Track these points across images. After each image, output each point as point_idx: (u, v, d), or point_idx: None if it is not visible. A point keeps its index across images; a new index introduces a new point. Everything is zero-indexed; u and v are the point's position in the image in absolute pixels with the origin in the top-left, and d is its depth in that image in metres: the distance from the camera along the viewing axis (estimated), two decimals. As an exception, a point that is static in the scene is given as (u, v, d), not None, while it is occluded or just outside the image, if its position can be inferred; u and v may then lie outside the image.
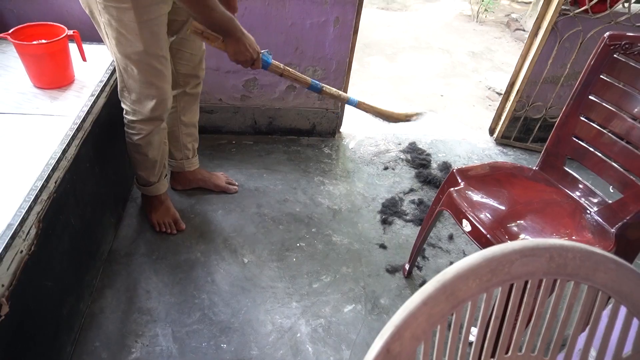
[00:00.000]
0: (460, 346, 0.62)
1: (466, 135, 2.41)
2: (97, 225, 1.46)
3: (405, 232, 1.75)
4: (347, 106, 2.18)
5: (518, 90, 2.12)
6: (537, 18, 1.94)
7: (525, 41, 2.04)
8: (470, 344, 0.64)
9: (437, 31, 4.61)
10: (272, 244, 1.66)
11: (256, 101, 2.03)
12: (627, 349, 0.67)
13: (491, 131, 2.37)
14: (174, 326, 1.36)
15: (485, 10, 5.11)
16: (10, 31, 1.30)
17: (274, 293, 1.49)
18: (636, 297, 0.63)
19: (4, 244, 0.92)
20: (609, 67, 1.22)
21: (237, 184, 1.87)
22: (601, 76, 1.23)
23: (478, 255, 0.58)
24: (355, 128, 2.33)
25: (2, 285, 0.90)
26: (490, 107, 2.87)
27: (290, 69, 1.46)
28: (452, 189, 1.26)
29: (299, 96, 2.04)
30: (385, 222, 1.79)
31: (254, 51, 1.30)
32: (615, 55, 1.20)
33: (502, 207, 1.24)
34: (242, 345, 1.33)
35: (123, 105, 1.39)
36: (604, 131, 1.25)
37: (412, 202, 1.90)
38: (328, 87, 1.53)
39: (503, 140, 2.32)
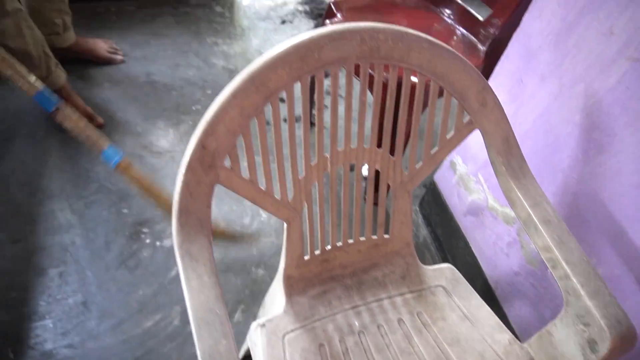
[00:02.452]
0: (288, 139, 0.64)
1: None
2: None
3: (303, 83, 1.73)
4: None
5: None
6: None
7: None
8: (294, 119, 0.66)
9: None
10: (166, 110, 1.60)
11: (127, -44, 1.79)
12: (450, 131, 0.72)
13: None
14: (71, 200, 1.34)
15: None
16: None
17: (172, 157, 1.48)
18: (452, 76, 0.66)
19: None
20: None
21: (122, 52, 1.72)
22: None
23: (286, 44, 0.57)
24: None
25: None
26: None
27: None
28: (327, 20, 1.22)
29: (175, -54, 1.81)
30: (283, 76, 1.75)
31: None
32: None
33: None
34: (143, 208, 1.35)
35: None
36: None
37: (311, 53, 1.85)
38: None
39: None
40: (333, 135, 0.67)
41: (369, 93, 0.69)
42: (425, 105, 0.70)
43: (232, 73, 1.74)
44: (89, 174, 1.41)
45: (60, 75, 1.44)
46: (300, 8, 2.05)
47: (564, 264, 0.62)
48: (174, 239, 0.56)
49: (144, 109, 1.59)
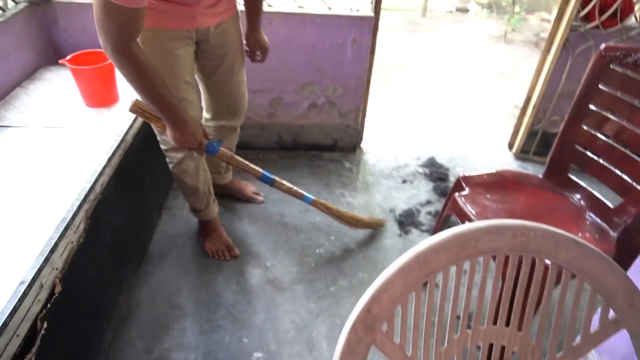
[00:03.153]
0: (437, 313, 0.71)
1: (486, 151, 2.47)
2: (136, 228, 1.62)
3: (421, 241, 1.82)
4: (367, 122, 2.31)
5: (534, 106, 2.18)
6: (549, 35, 2.01)
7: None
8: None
9: (464, 52, 4.70)
10: (293, 250, 1.77)
11: (281, 118, 2.18)
12: (594, 325, 0.74)
13: (510, 146, 2.42)
14: (201, 321, 1.49)
15: (513, 30, 5.17)
16: (68, 57, 1.51)
17: (293, 294, 1.59)
18: (598, 275, 0.70)
19: (59, 234, 1.09)
20: (606, 77, 1.28)
21: (262, 195, 2.00)
22: (599, 86, 1.30)
23: (448, 232, 0.68)
24: (376, 144, 2.44)
25: (56, 269, 1.06)
26: (514, 124, 2.92)
27: (239, 159, 1.47)
28: (456, 194, 1.34)
29: (320, 114, 2.18)
30: (402, 231, 1.87)
31: (194, 140, 1.26)
32: (611, 66, 1.27)
33: (506, 212, 1.31)
34: (261, 341, 1.44)
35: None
36: (604, 138, 1.31)
37: (429, 213, 1.97)
38: (281, 180, 1.57)
39: (522, 155, 2.36)
40: (477, 316, 0.72)
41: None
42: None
43: (354, 222, 1.91)
44: (220, 300, 1.56)
45: (214, 209, 1.71)
46: (421, 170, 2.24)
47: None
48: (333, 392, 0.62)
49: (274, 246, 1.78)
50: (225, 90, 1.55)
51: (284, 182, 1.59)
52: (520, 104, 3.16)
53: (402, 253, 1.93)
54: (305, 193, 1.62)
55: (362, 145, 2.37)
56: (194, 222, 1.82)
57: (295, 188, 1.61)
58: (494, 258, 0.71)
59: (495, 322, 0.75)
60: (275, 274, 1.67)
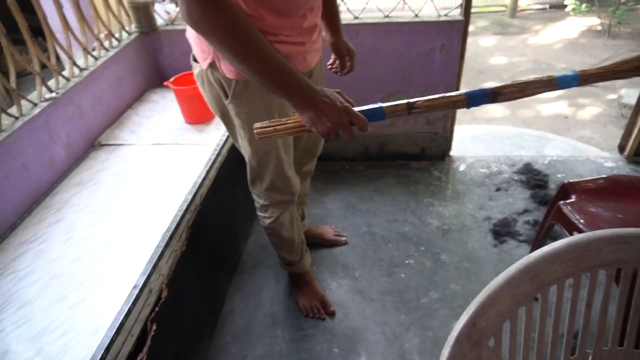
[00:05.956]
0: (551, 332, 0.65)
1: (591, 155, 2.25)
2: (230, 237, 1.70)
3: (519, 252, 1.70)
4: (456, 129, 2.22)
5: (651, 103, 1.95)
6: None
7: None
8: (561, 336, 0.66)
9: (559, 51, 4.38)
10: (382, 260, 1.74)
11: (367, 129, 2.17)
12: None
13: (621, 149, 2.18)
14: (292, 330, 1.51)
15: (619, 23, 4.71)
16: (171, 80, 1.64)
17: (383, 305, 1.56)
18: None
19: (165, 243, 1.18)
20: None
21: (345, 235, 1.87)
22: None
23: (563, 241, 0.62)
24: (466, 151, 2.34)
25: (163, 275, 1.14)
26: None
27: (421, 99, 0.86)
28: (561, 202, 1.23)
29: (407, 122, 2.14)
30: (497, 241, 1.76)
31: (338, 109, 0.84)
32: None
33: (622, 222, 1.17)
34: (351, 351, 1.42)
35: (253, 192, 1.38)
36: None
37: (527, 222, 1.83)
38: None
39: (636, 159, 2.12)
40: (600, 335, 0.65)
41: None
42: None
43: (445, 233, 1.83)
44: (310, 308, 1.58)
45: (308, 260, 1.58)
46: (516, 177, 2.10)
47: None
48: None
49: (362, 257, 1.76)
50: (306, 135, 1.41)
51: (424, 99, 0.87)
52: (631, 102, 2.86)
53: (497, 265, 1.82)
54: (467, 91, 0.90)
55: (451, 153, 2.28)
56: (284, 232, 1.86)
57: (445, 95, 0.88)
58: (618, 271, 0.63)
59: (621, 344, 0.66)
60: (364, 284, 1.65)
